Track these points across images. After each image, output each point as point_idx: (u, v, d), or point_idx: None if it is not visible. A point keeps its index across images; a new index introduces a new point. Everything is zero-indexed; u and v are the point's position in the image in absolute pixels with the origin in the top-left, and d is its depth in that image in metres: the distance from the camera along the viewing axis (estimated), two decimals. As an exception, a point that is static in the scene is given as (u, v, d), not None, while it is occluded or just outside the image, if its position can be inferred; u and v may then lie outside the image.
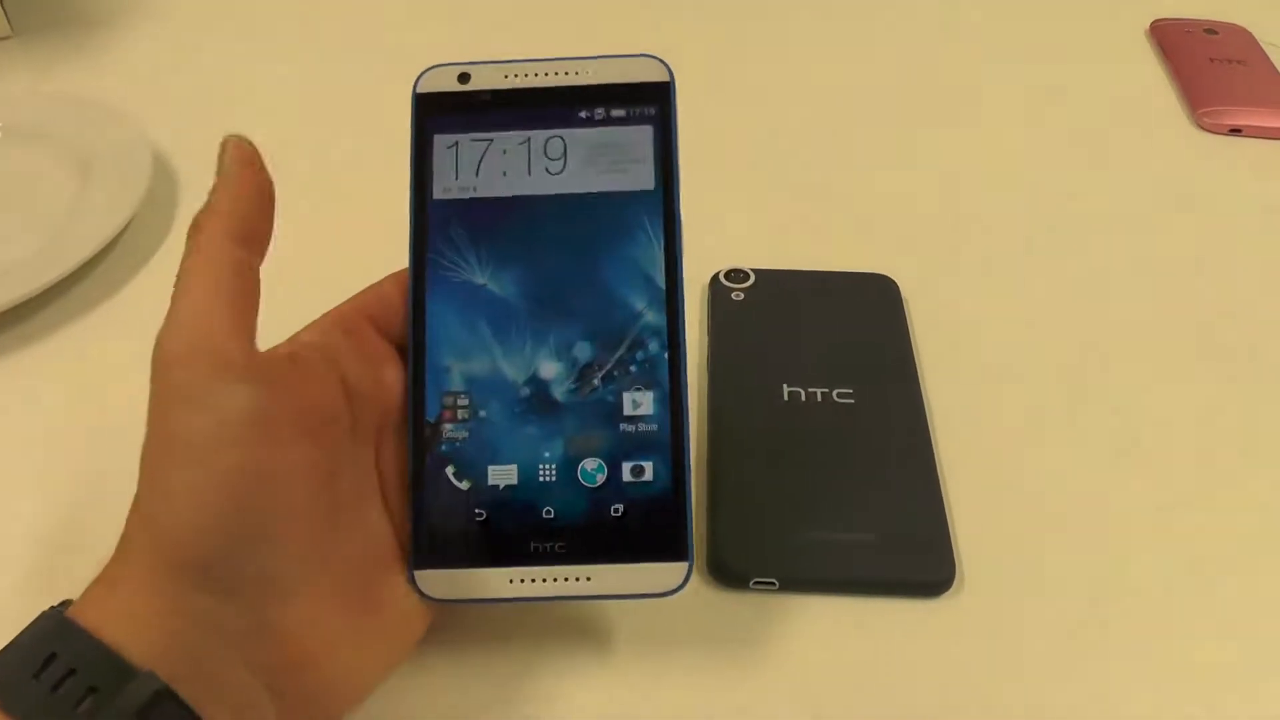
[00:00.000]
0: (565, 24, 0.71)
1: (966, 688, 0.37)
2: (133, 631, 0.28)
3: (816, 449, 0.42)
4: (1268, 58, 0.68)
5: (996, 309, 0.51)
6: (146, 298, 0.51)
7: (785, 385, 0.45)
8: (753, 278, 0.50)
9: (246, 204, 0.32)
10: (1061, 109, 0.65)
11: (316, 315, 0.36)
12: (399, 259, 0.36)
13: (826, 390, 0.44)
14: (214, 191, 0.32)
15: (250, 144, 0.33)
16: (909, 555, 0.39)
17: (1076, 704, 0.36)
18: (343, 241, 0.50)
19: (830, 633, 0.38)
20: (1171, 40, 0.70)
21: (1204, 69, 0.67)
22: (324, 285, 0.37)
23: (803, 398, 0.44)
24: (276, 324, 0.34)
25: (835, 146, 0.61)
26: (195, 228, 0.31)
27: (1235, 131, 0.63)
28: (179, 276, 0.31)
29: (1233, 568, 0.41)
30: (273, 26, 0.70)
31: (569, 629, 0.38)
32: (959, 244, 0.55)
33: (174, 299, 0.30)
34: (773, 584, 0.39)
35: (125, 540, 0.30)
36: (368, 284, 0.37)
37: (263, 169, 0.33)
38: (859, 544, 0.39)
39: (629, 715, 0.36)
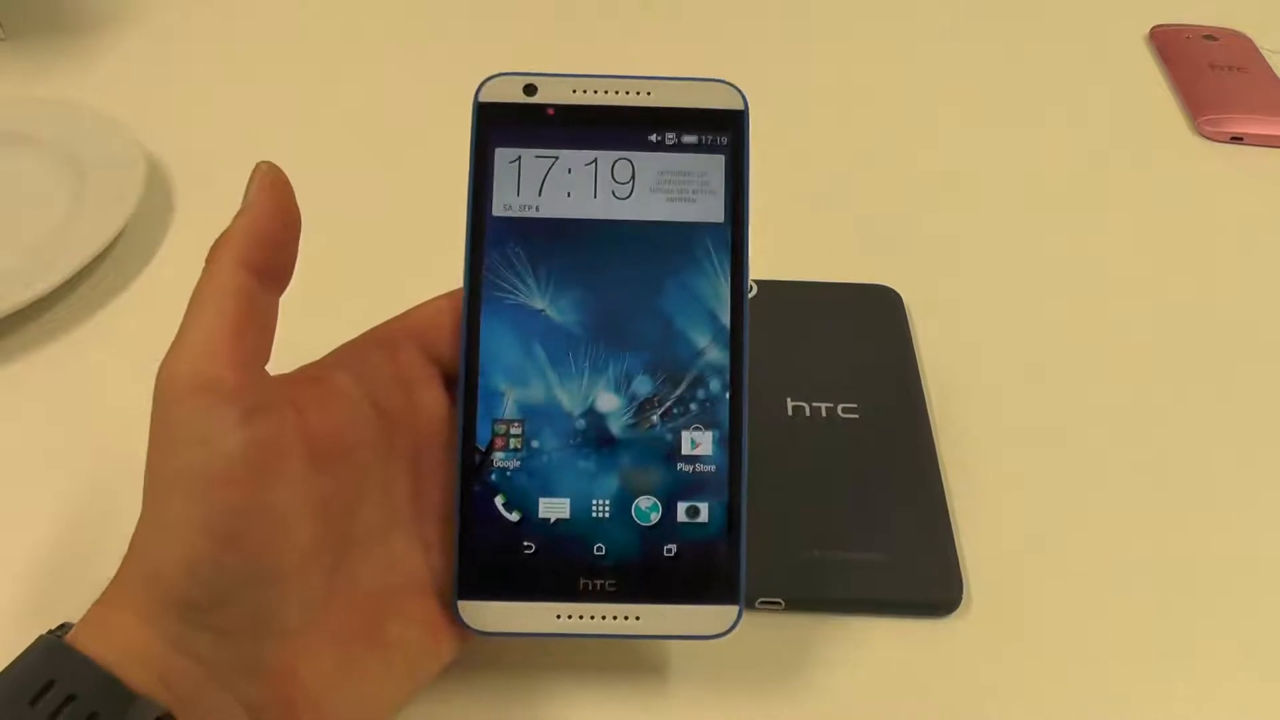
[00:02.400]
0: (566, 30, 0.71)
1: (974, 709, 0.37)
2: (131, 657, 0.28)
3: (821, 466, 0.42)
4: (1268, 64, 0.68)
5: (999, 319, 0.51)
6: (141, 307, 0.51)
7: (789, 399, 0.44)
8: (755, 289, 0.49)
9: (264, 231, 0.31)
10: (1062, 117, 0.65)
11: (348, 335, 0.35)
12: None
13: (831, 405, 0.44)
14: (235, 217, 0.31)
15: (278, 170, 0.32)
16: (916, 574, 0.39)
17: (1085, 725, 0.36)
18: (345, 251, 0.50)
19: (836, 653, 0.38)
20: (1171, 47, 0.70)
21: (1204, 76, 0.67)
22: (343, 303, 0.36)
23: (807, 412, 0.44)
24: (312, 342, 0.34)
25: (837, 156, 0.61)
26: (209, 254, 0.31)
27: (1236, 139, 0.63)
28: (189, 304, 0.30)
29: (1246, 588, 0.40)
30: (268, 32, 0.70)
31: (572, 649, 0.37)
32: (961, 254, 0.55)
33: (181, 327, 0.30)
34: (778, 604, 0.38)
35: (122, 571, 0.29)
36: (403, 301, 0.36)
37: (287, 196, 0.32)
38: (865, 563, 0.39)
39: (633, 737, 0.36)
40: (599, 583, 0.33)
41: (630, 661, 0.37)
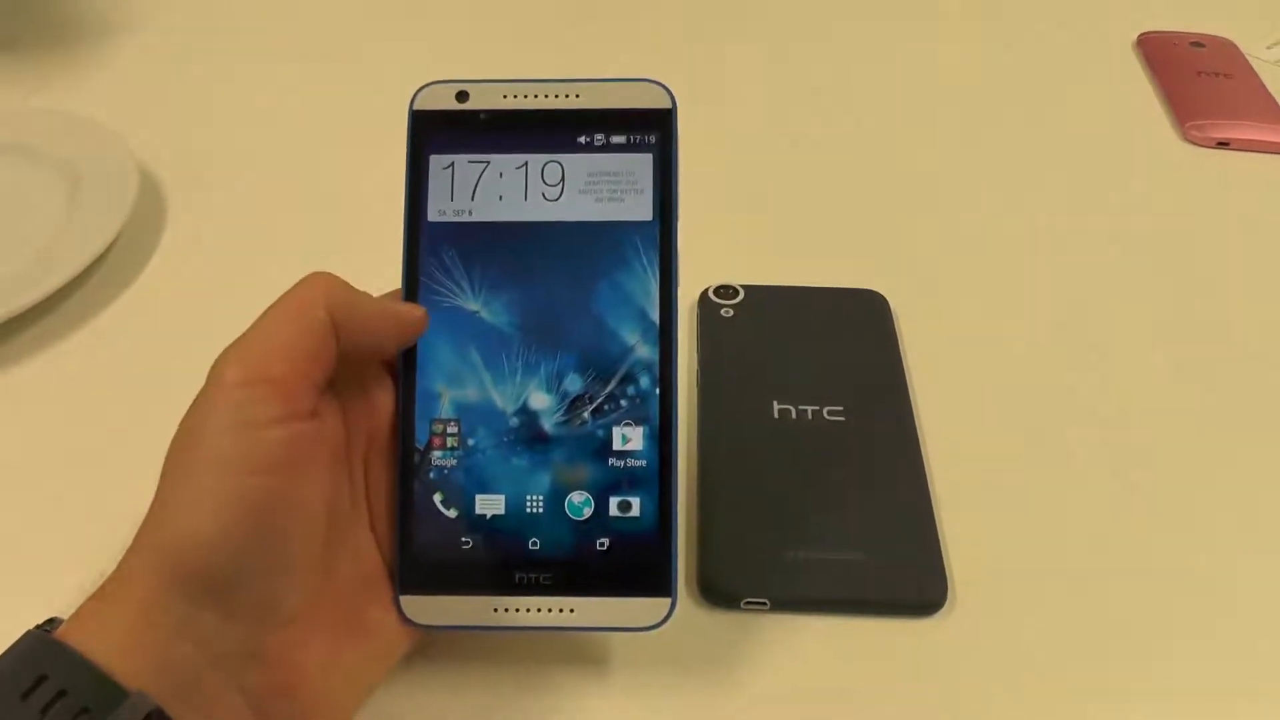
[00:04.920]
0: (554, 37, 0.71)
1: (958, 708, 0.37)
2: (125, 650, 0.28)
3: (807, 467, 0.42)
4: (1254, 71, 0.69)
5: (986, 324, 0.51)
6: (133, 314, 0.51)
7: (775, 402, 0.45)
8: (742, 294, 0.50)
9: (363, 315, 0.33)
10: (1050, 122, 0.65)
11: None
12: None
13: (817, 408, 0.44)
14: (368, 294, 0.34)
15: (423, 322, 0.34)
16: (901, 575, 0.39)
17: (1068, 724, 0.36)
18: (334, 259, 0.50)
19: (822, 653, 0.38)
20: (1159, 54, 0.70)
21: (1191, 82, 0.67)
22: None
23: (793, 415, 0.44)
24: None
25: (824, 162, 0.61)
26: (311, 275, 0.33)
27: (1223, 145, 0.63)
28: (272, 306, 0.32)
29: (1227, 587, 0.41)
30: (259, 43, 0.70)
31: (560, 648, 0.38)
32: (948, 259, 0.55)
33: (256, 324, 0.31)
34: (764, 604, 0.39)
35: (133, 550, 0.30)
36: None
37: (408, 334, 0.34)
38: (850, 563, 0.39)
39: (619, 737, 0.36)
40: (534, 576, 0.34)
41: (613, 660, 0.37)
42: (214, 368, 0.30)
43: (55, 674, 0.27)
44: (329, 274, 0.33)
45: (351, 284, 0.33)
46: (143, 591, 0.29)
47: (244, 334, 0.31)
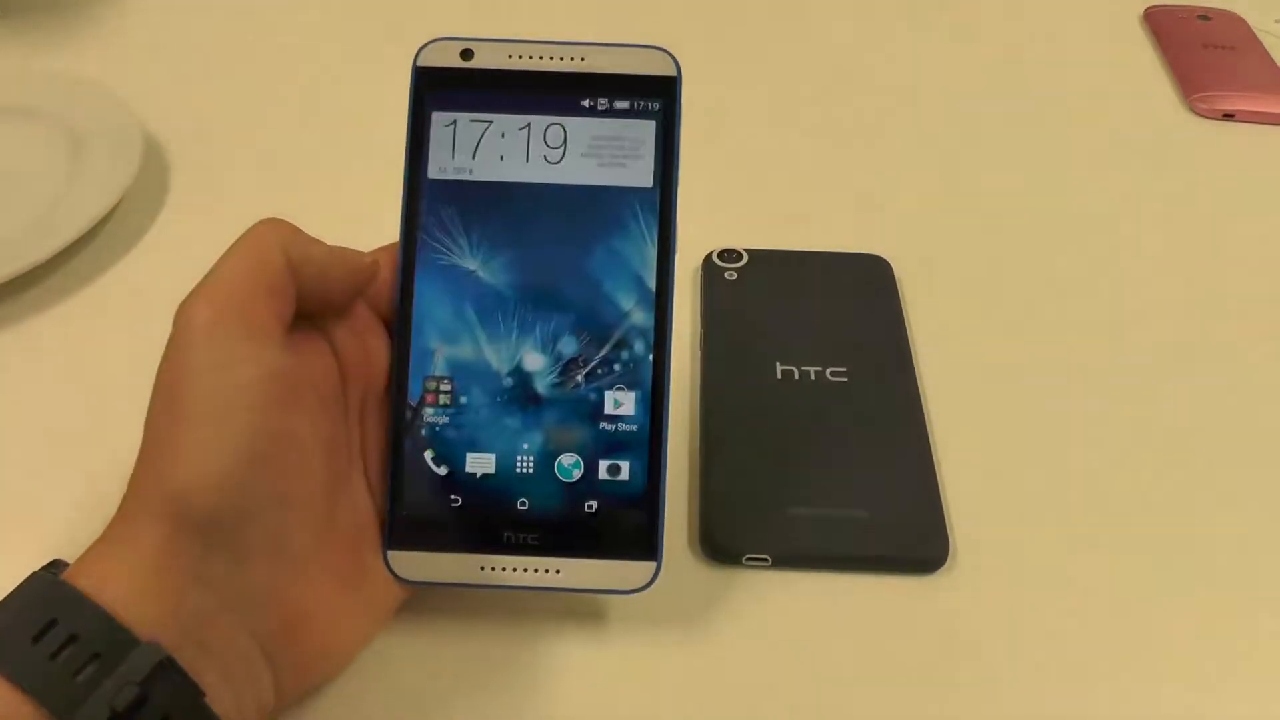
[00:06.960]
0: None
1: (957, 664, 0.37)
2: (134, 596, 0.28)
3: (810, 426, 0.42)
4: (1260, 43, 0.69)
5: (988, 290, 0.51)
6: (136, 276, 0.51)
7: (778, 364, 0.45)
8: (746, 257, 0.50)
9: (323, 257, 0.33)
10: (1056, 92, 0.65)
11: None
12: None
13: (820, 369, 0.44)
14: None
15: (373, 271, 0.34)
16: (902, 532, 0.39)
17: (1067, 680, 0.36)
18: (336, 216, 0.50)
19: (823, 609, 0.38)
20: (1166, 27, 0.70)
21: (1198, 55, 0.67)
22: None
23: (796, 376, 0.44)
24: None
25: (829, 127, 0.61)
26: (266, 218, 0.32)
27: (1228, 116, 0.63)
28: (228, 250, 0.31)
29: (1222, 546, 0.41)
30: (265, 6, 0.70)
31: (559, 601, 0.38)
32: (952, 226, 0.55)
33: (216, 266, 0.31)
34: (765, 560, 0.39)
35: (131, 499, 0.30)
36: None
37: (370, 277, 0.34)
38: (852, 521, 0.39)
39: (620, 689, 0.36)
40: (522, 536, 0.34)
41: (615, 616, 0.37)
42: (181, 313, 0.30)
43: (65, 619, 0.27)
44: (281, 220, 0.32)
45: (308, 234, 0.33)
46: (151, 537, 0.29)
47: (205, 278, 0.31)
